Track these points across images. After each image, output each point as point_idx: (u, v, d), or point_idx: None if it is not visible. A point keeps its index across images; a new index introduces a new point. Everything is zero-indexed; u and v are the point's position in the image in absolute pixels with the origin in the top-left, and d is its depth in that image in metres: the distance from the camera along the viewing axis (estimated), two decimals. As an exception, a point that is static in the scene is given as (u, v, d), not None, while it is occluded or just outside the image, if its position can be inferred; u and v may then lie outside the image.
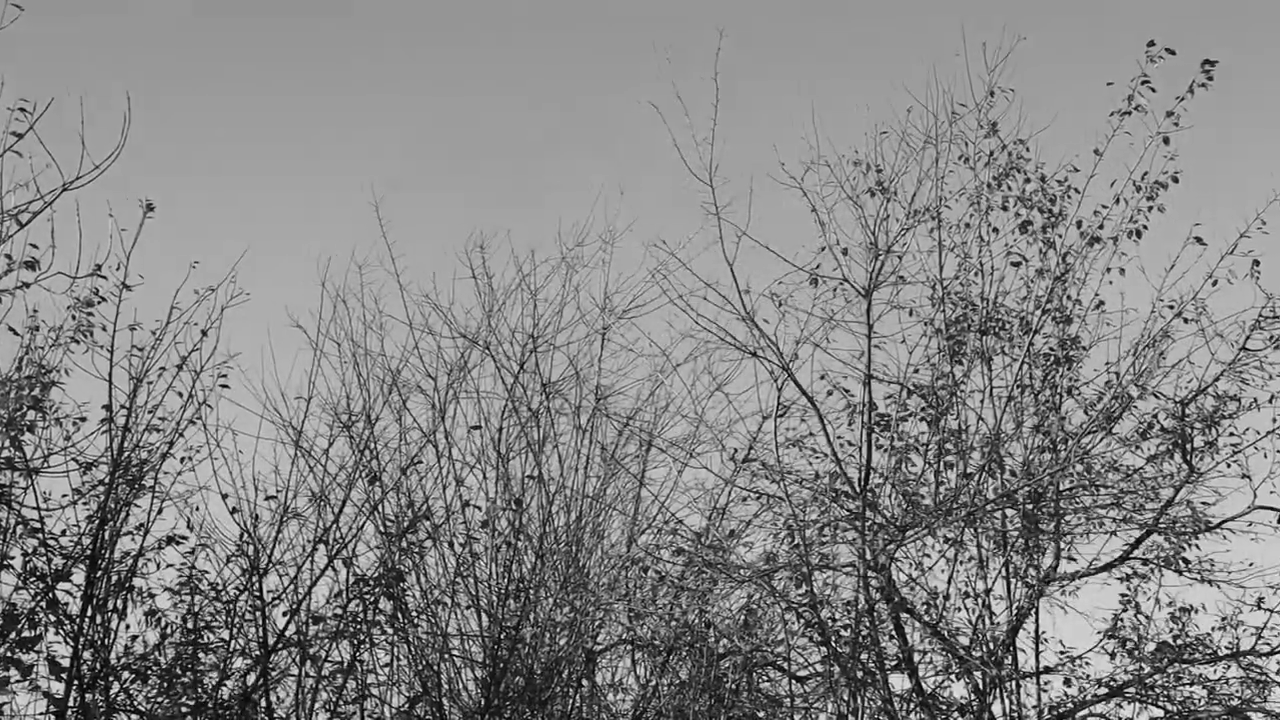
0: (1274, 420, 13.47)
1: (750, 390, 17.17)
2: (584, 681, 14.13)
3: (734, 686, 13.99)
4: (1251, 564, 13.67)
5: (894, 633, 13.47)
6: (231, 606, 13.02)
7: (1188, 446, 13.40)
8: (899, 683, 13.52)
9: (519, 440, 14.76)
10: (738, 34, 13.70)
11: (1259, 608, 13.64)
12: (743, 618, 14.13)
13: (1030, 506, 13.58)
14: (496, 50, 28.31)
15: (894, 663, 13.49)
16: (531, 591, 14.00)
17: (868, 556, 13.20)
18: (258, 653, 12.97)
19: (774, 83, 25.37)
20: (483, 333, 15.04)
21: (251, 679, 12.93)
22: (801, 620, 13.77)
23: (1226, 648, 13.66)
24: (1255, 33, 29.42)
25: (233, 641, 12.99)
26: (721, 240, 13.27)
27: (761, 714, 14.22)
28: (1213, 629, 13.71)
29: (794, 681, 14.22)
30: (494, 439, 14.66)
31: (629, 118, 27.97)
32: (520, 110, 28.28)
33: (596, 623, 14.35)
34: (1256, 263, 13.21)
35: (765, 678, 14.45)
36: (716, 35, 13.27)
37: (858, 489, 13.33)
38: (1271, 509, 13.62)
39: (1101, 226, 13.46)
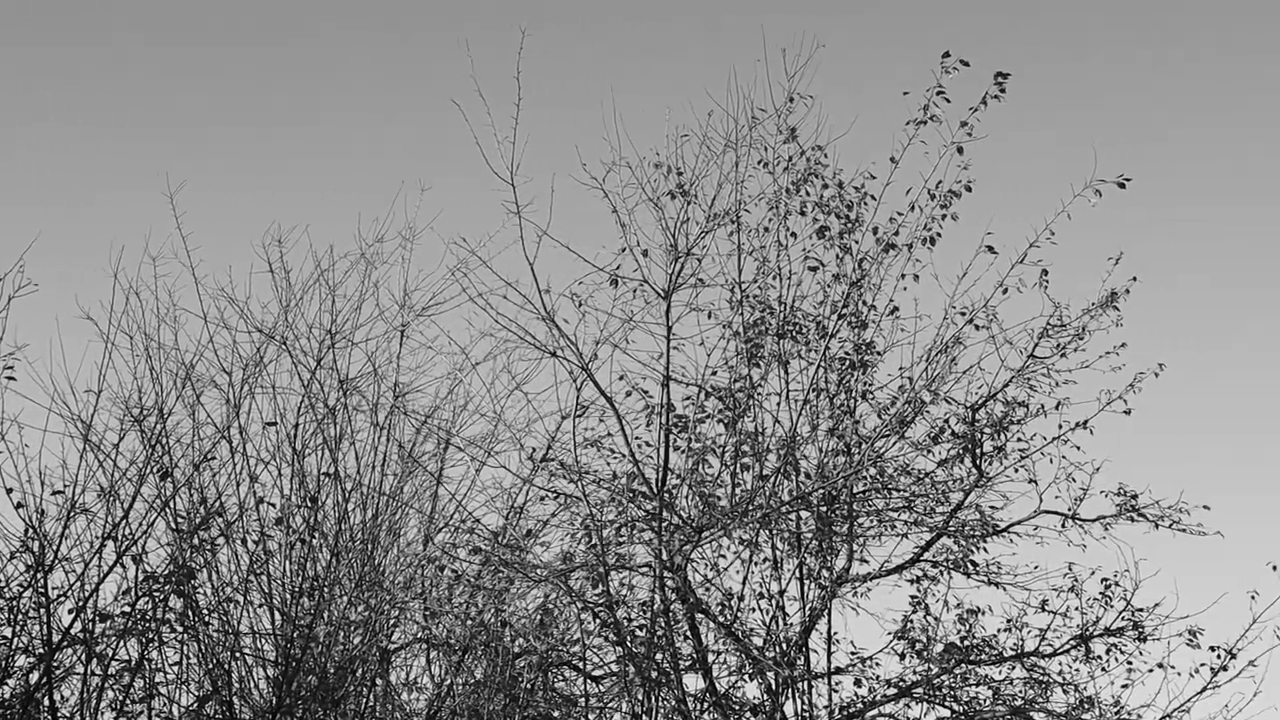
0: (1060, 427, 13.81)
1: (549, 390, 17.12)
2: (378, 680, 14.03)
3: (529, 686, 13.97)
4: (1036, 567, 14.02)
5: (689, 633, 13.55)
6: (14, 604, 12.72)
7: (977, 451, 13.68)
8: (693, 683, 13.62)
9: (315, 437, 14.60)
10: (540, 33, 13.68)
11: (1043, 610, 13.96)
12: (539, 617, 14.11)
13: (824, 509, 13.75)
14: (302, 45, 28.05)
15: (688, 663, 13.57)
16: (326, 590, 13.86)
17: (664, 557, 13.27)
18: (41, 651, 12.68)
19: (577, 83, 25.44)
20: (279, 328, 14.85)
21: (34, 678, 12.64)
22: (597, 620, 13.79)
23: (1011, 649, 13.95)
24: (1049, 46, 30.12)
25: (15, 639, 12.69)
26: (522, 239, 13.26)
27: (556, 713, 14.21)
28: (999, 631, 13.99)
29: (589, 681, 14.24)
30: (289, 435, 14.48)
31: (432, 114, 27.84)
32: (327, 106, 28.04)
33: (391, 621, 14.25)
34: (1045, 272, 13.53)
35: (560, 677, 14.44)
36: (519, 34, 13.25)
37: (655, 490, 13.39)
38: (1056, 513, 13.97)
39: (897, 233, 13.67)
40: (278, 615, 13.80)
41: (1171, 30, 30.83)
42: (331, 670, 13.63)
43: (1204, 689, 13.75)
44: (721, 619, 13.59)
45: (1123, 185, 13.43)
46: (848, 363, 13.88)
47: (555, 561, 13.83)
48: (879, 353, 13.91)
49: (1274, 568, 13.72)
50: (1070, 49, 30.82)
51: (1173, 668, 13.79)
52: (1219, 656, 13.75)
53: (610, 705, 14.05)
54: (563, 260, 13.43)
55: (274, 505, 14.19)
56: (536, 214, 13.22)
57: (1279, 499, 28.01)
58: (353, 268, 15.22)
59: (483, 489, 15.08)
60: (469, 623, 13.90)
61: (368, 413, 14.95)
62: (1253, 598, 13.73)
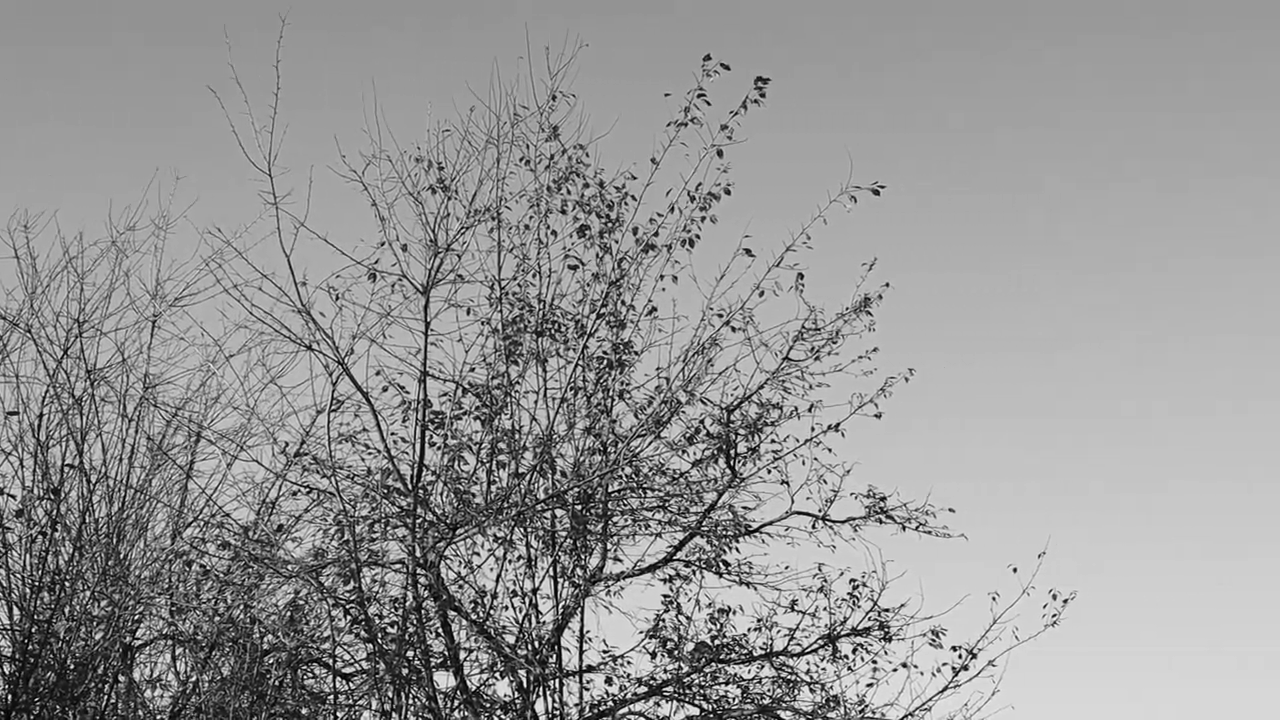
0: (812, 429, 14.00)
1: (305, 384, 16.92)
2: (120, 677, 13.71)
3: (277, 683, 13.78)
4: (787, 567, 14.20)
5: (441, 630, 13.47)
6: None
7: (731, 452, 13.81)
8: (444, 680, 13.55)
9: (60, 427, 14.23)
10: (301, 23, 13.51)
11: (792, 610, 14.14)
12: (289, 613, 13.93)
13: (579, 507, 13.77)
14: (54, 31, 27.34)
15: (440, 660, 13.49)
16: (67, 584, 13.50)
17: (417, 554, 13.17)
18: None
19: (338, 74, 25.17)
20: (24, 315, 14.44)
21: None
22: (348, 617, 13.65)
23: (761, 648, 14.11)
24: (810, 51, 30.60)
25: None
26: (279, 231, 13.06)
27: (305, 711, 14.04)
28: (749, 630, 14.14)
29: (339, 678, 14.10)
30: (33, 425, 14.10)
31: (188, 101, 27.32)
32: (79, 90, 27.36)
33: (136, 617, 13.94)
34: (801, 276, 13.71)
35: (310, 674, 14.28)
36: (279, 22, 13.05)
37: (409, 486, 13.28)
38: (807, 514, 14.16)
39: (657, 234, 13.74)
40: (15, 610, 13.42)
41: (927, 36, 31.57)
42: (71, 666, 13.28)
43: (945, 688, 14.07)
44: (474, 616, 13.53)
45: (877, 192, 13.67)
46: (606, 362, 13.91)
47: (307, 557, 13.66)
48: (637, 353, 13.97)
49: (1014, 570, 14.08)
50: (830, 55, 31.38)
51: (916, 667, 14.09)
52: (960, 656, 14.08)
53: (360, 703, 13.92)
54: (320, 253, 13.28)
55: (14, 497, 13.80)
56: (294, 206, 13.05)
57: (1021, 503, 28.81)
58: (103, 255, 14.88)
59: (234, 483, 14.86)
60: (216, 618, 13.65)
61: (116, 404, 14.62)
62: (994, 599, 14.08)
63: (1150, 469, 31.00)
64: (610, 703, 13.88)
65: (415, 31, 28.15)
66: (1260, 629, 28.62)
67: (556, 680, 13.62)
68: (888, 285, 13.93)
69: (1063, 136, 32.11)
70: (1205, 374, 31.62)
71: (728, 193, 13.73)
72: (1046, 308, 31.85)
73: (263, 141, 13.01)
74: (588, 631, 13.86)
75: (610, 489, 13.91)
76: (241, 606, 13.71)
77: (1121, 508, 30.24)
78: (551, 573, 13.78)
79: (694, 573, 14.19)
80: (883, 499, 14.17)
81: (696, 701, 14.06)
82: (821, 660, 14.15)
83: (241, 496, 14.73)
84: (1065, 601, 14.13)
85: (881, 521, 14.20)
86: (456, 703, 13.49)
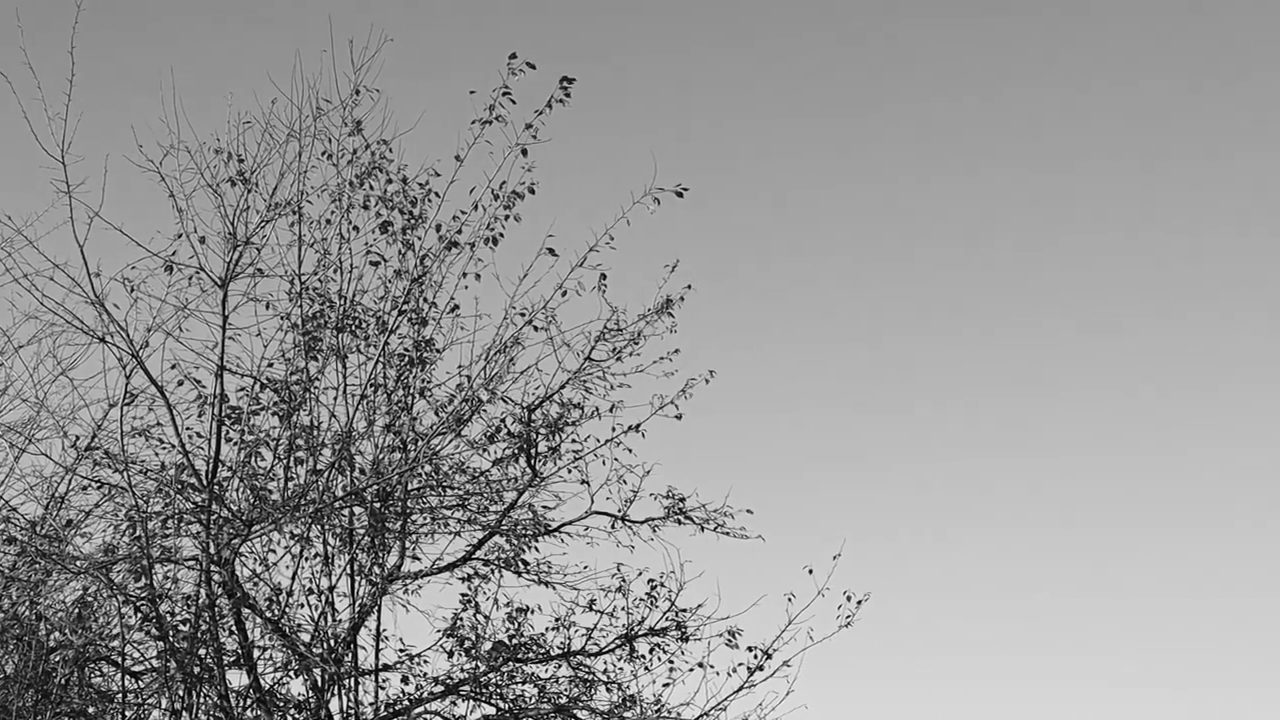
0: (613, 429, 14.06)
1: (97, 377, 16.49)
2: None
3: (64, 681, 13.49)
4: (586, 567, 14.25)
5: (234, 628, 13.29)
6: None
7: (532, 451, 13.81)
8: (237, 679, 13.37)
9: None
10: (97, 6, 13.25)
11: (590, 609, 14.18)
12: (76, 610, 13.64)
13: (378, 505, 13.67)
14: None
15: (233, 658, 13.31)
16: None
17: (211, 550, 12.99)
18: None
19: (135, 63, 24.75)
20: None
21: None
22: (139, 614, 13.41)
23: (558, 647, 14.14)
24: (618, 52, 30.75)
25: None
26: (72, 220, 12.81)
27: (92, 710, 13.77)
28: (547, 629, 14.16)
29: (128, 677, 13.84)
30: None
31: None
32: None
33: (-83, 614, 13.57)
34: (604, 276, 13.75)
35: (98, 672, 14.00)
36: (75, 7, 12.79)
37: (204, 482, 13.09)
38: (607, 514, 14.22)
39: (460, 232, 13.68)
40: None
41: (730, 39, 31.87)
42: None
43: (741, 688, 14.19)
44: (269, 614, 13.38)
45: (680, 194, 13.75)
46: (407, 359, 13.83)
47: (96, 553, 13.40)
48: (438, 350, 13.91)
49: (810, 571, 14.23)
50: (636, 56, 31.55)
51: (712, 667, 14.20)
52: (756, 656, 14.20)
53: (149, 701, 13.68)
54: (115, 244, 13.04)
55: None
56: (89, 195, 12.81)
57: (818, 505, 29.20)
58: (-116, 244, 14.41)
59: (21, 476, 14.52)
60: (0, 616, 13.34)
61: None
62: (789, 600, 14.23)
63: (948, 469, 31.63)
64: (406, 702, 13.80)
65: (214, 21, 27.75)
66: (1056, 627, 29.32)
67: (352, 679, 13.51)
68: (689, 287, 14.03)
69: (856, 134, 32.67)
70: (1006, 368, 32.34)
71: (532, 191, 13.72)
72: (850, 312, 32.33)
73: (56, 129, 12.75)
74: (384, 630, 13.79)
75: (410, 487, 13.83)
76: (27, 603, 13.41)
77: (917, 509, 30.82)
78: (349, 570, 13.66)
79: (493, 572, 14.17)
80: (682, 500, 14.26)
81: (493, 701, 14.04)
82: (619, 660, 14.21)
83: (29, 490, 14.42)
84: (859, 603, 14.33)
85: (680, 522, 14.30)
86: (249, 701, 13.33)
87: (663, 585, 14.19)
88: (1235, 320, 32.15)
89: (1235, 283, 32.30)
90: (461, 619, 14.05)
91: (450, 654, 14.02)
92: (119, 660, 13.69)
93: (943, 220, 32.69)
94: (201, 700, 13.19)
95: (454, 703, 14.01)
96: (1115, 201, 32.69)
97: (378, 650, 13.76)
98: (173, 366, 13.49)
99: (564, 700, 14.06)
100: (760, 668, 14.20)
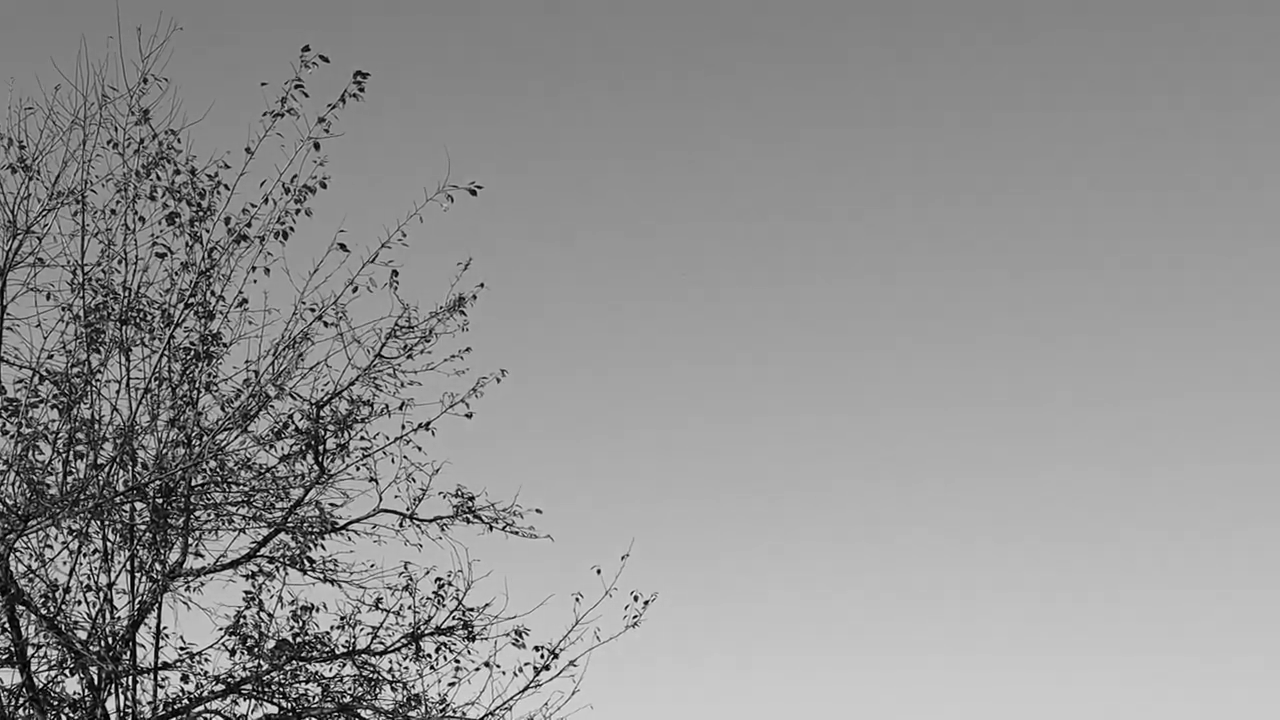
0: (403, 427, 14.00)
1: None
2: None
3: None
4: (373, 565, 14.17)
5: (7, 625, 12.98)
6: None
7: (320, 448, 13.68)
8: (9, 677, 13.07)
9: None
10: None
11: (377, 608, 14.09)
12: None
13: (161, 500, 13.45)
14: None
15: (4, 656, 13.00)
16: None
17: (-17, 545, 12.68)
18: None
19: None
20: None
21: None
22: (-95, 612, 13.05)
23: (344, 646, 14.02)
24: (411, 49, 30.62)
25: None
26: None
27: None
28: (332, 628, 14.05)
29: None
30: None
31: None
32: None
33: None
34: (396, 273, 13.65)
35: None
36: None
37: (-22, 475, 12.77)
38: (395, 513, 14.15)
39: (249, 225, 13.48)
40: None
41: (510, 38, 31.92)
42: None
43: (527, 687, 14.20)
44: (44, 611, 13.08)
45: (474, 192, 13.70)
46: (193, 353, 13.61)
47: None
48: (225, 344, 13.72)
49: (598, 571, 14.28)
50: (430, 53, 31.43)
51: (498, 666, 14.19)
52: (543, 656, 14.21)
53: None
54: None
55: None
56: None
57: (605, 505, 29.36)
58: None
59: None
60: None
61: None
62: (577, 600, 14.26)
63: (730, 471, 31.97)
64: (186, 700, 13.59)
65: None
66: (844, 623, 29.77)
67: (130, 678, 13.27)
68: (482, 285, 14.01)
69: (642, 130, 32.90)
70: (780, 384, 32.79)
71: (324, 185, 13.57)
72: (638, 312, 32.53)
73: None
74: (165, 628, 13.59)
75: (194, 483, 13.63)
76: None
77: (706, 510, 31.11)
78: (129, 567, 13.42)
79: (277, 569, 14.04)
80: (471, 499, 14.24)
81: (276, 700, 13.88)
82: (404, 659, 14.15)
83: None
84: (646, 603, 14.41)
85: (469, 521, 14.27)
86: (22, 700, 13.03)
87: (450, 584, 14.16)
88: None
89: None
90: (245, 617, 13.89)
91: (233, 652, 13.84)
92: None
93: (730, 220, 33.05)
94: (-28, 699, 12.87)
95: (235, 702, 13.84)
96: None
97: (157, 648, 13.57)
98: (-54, 357, 13.15)
99: (348, 699, 13.95)
100: (547, 667, 14.22)
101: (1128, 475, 31.68)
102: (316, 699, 13.93)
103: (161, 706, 13.48)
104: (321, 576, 14.08)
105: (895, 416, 32.68)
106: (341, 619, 14.05)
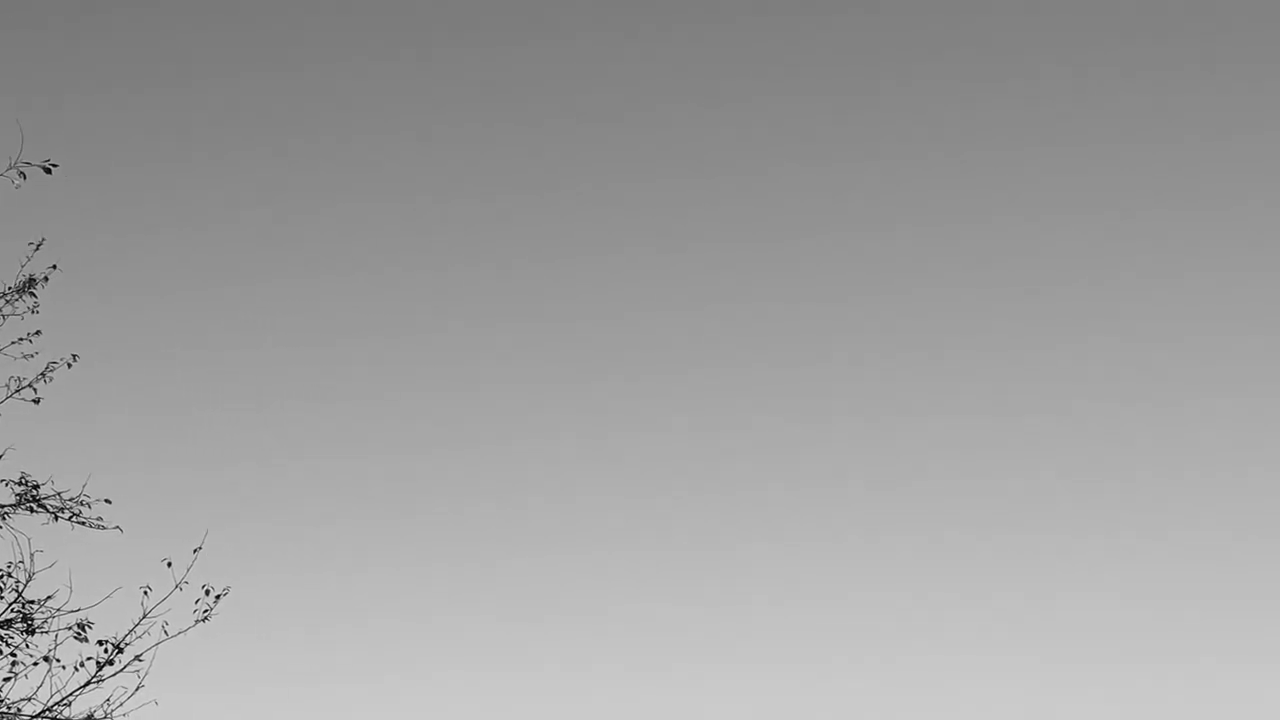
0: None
1: None
2: None
3: None
4: None
5: None
6: None
7: None
8: None
9: None
10: None
11: None
12: None
13: None
14: None
15: None
16: None
17: None
18: None
19: None
20: None
21: None
22: None
23: None
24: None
25: None
26: None
27: None
28: None
29: None
30: None
31: None
32: None
33: None
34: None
35: None
36: None
37: None
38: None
39: None
40: None
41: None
42: None
43: (88, 682, 13.76)
44: None
45: (48, 170, 13.27)
46: None
47: None
48: None
49: (169, 564, 13.94)
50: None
51: (59, 661, 13.71)
52: (106, 650, 13.80)
53: None
54: None
55: None
56: None
57: (179, 496, 28.88)
58: None
59: None
60: None
61: None
62: (145, 593, 13.89)
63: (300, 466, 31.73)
64: None
65: None
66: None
67: None
68: (55, 267, 13.57)
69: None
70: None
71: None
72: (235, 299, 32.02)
73: None
74: None
75: None
76: None
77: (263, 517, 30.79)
78: None
79: None
80: (35, 486, 13.76)
81: None
82: (-42, 654, 13.55)
83: None
84: (219, 597, 14.12)
85: (33, 510, 13.78)
86: None
87: (10, 575, 13.63)
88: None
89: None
90: None
91: None
92: None
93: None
94: None
95: None
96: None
97: None
98: None
99: None
100: (111, 662, 13.81)
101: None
102: None
103: None
104: None
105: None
106: None
